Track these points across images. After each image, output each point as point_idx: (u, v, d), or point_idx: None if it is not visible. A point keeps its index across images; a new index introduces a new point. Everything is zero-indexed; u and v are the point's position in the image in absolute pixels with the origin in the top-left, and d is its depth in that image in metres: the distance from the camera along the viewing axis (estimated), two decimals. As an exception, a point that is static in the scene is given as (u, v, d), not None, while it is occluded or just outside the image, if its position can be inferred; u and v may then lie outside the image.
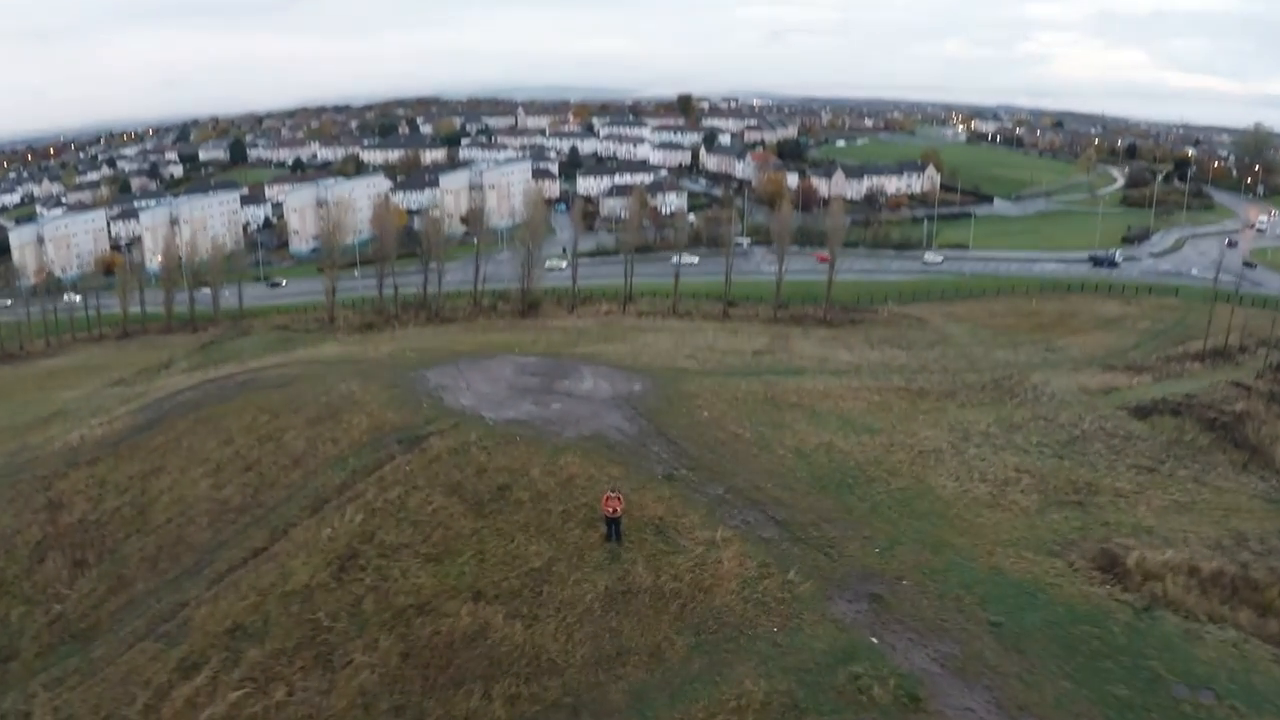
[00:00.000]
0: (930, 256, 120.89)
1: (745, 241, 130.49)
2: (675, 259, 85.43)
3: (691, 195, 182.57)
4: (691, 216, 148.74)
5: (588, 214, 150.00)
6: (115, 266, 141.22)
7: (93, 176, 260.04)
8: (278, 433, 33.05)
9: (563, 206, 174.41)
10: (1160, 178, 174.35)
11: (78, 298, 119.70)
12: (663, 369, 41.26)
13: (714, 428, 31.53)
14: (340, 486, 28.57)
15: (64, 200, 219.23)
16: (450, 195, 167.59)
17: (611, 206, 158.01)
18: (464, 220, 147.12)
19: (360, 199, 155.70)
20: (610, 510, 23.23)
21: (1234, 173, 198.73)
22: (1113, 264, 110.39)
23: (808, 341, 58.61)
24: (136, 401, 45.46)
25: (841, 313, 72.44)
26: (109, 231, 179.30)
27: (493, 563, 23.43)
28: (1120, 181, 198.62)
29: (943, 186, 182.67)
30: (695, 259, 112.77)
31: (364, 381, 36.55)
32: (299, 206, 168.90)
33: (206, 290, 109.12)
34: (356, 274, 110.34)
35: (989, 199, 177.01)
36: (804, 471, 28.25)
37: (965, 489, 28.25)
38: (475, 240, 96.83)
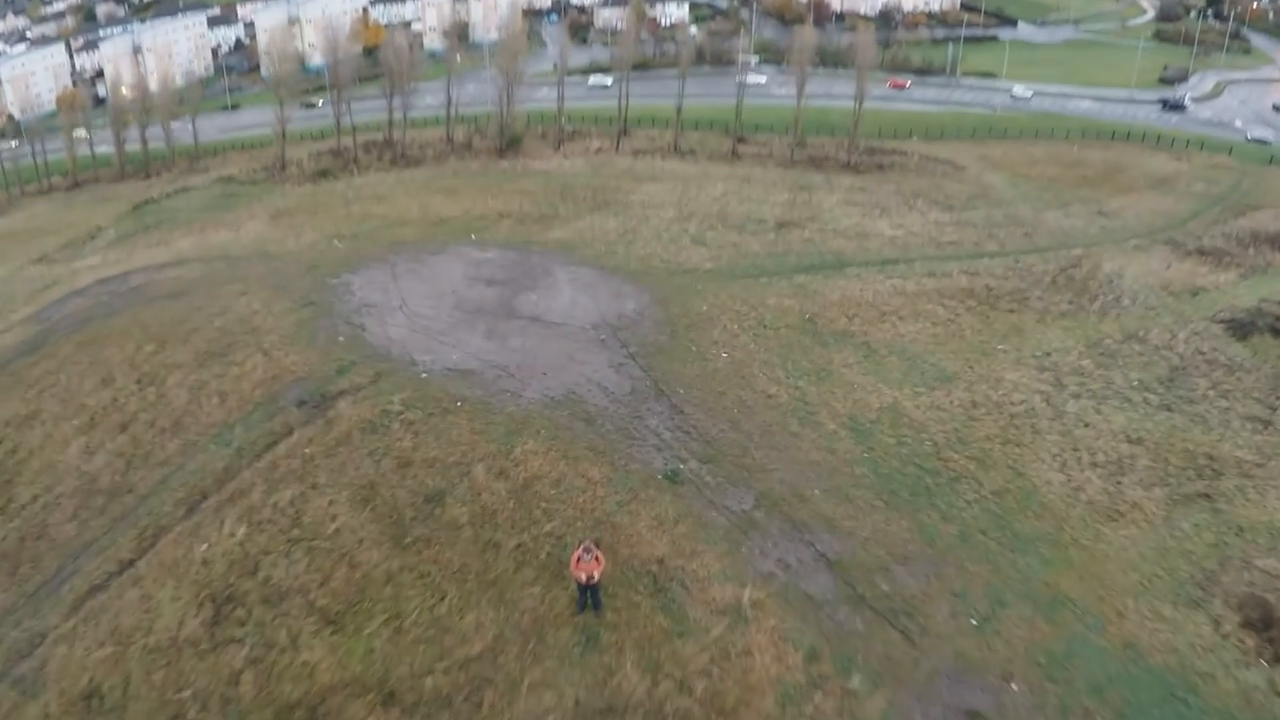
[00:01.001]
0: (1019, 91, 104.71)
1: (754, 60, 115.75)
2: (678, 82, 72.17)
3: (694, 6, 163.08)
4: (694, 29, 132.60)
5: (580, 25, 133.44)
6: (70, 105, 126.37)
7: (59, 6, 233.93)
8: (161, 373, 24.99)
9: (554, 17, 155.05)
10: (1195, 13, 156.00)
11: (13, 144, 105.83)
12: (664, 268, 31.97)
13: (736, 381, 23.13)
14: (222, 473, 20.94)
15: (28, 35, 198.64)
16: (433, 8, 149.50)
17: (606, 17, 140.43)
18: (446, 35, 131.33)
19: (336, 15, 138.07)
20: (583, 578, 15.60)
21: (1271, 15, 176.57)
22: (1182, 108, 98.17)
23: (834, 197, 48.82)
24: (36, 303, 37.12)
25: (866, 155, 61.90)
26: (71, 66, 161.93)
27: (415, 637, 16.23)
28: (1150, 13, 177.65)
29: (963, 5, 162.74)
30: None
31: (270, 296, 27.84)
32: (271, 26, 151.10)
33: (177, 125, 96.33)
34: (320, 103, 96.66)
35: (1012, 22, 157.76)
36: (864, 464, 20.42)
37: (1075, 486, 20.68)
38: (449, 60, 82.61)
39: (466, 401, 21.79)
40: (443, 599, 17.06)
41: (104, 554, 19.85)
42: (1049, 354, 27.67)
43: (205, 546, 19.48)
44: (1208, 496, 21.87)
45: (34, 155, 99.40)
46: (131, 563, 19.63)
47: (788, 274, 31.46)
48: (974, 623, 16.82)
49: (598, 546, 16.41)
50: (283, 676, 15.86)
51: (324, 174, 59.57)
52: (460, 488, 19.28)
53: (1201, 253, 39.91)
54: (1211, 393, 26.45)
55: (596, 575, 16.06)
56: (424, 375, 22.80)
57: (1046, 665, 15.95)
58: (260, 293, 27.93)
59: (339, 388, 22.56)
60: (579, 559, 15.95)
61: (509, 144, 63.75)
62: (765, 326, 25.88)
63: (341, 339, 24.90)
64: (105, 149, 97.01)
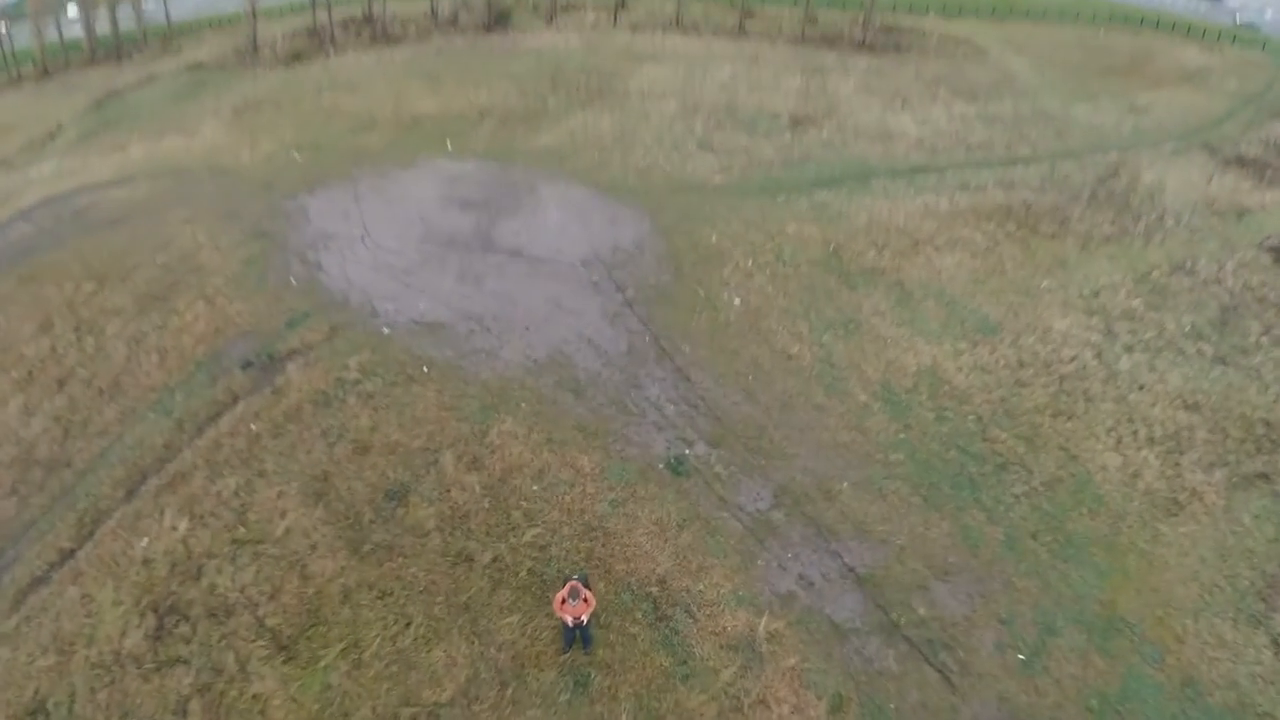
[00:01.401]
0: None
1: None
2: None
3: None
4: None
5: None
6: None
7: None
8: (100, 320, 21.73)
9: None
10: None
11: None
12: (667, 183, 27.39)
13: (751, 336, 19.70)
14: (162, 450, 18.20)
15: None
16: None
17: None
18: None
19: None
20: (571, 619, 13.18)
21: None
22: None
23: (850, 82, 43.06)
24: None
25: (882, 34, 55.57)
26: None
27: (376, 673, 13.94)
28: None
29: None
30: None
31: (218, 224, 23.93)
32: None
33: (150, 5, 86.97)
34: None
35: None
36: (900, 447, 17.40)
37: (1132, 471, 17.90)
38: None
39: (434, 366, 18.75)
40: (408, 625, 14.71)
41: (44, 539, 17.46)
42: (1097, 293, 24.41)
43: (145, 542, 17.03)
44: (1266, 477, 19.29)
45: (0, 45, 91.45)
46: (72, 553, 17.26)
47: (806, 189, 27.39)
48: (1021, 658, 14.61)
49: (587, 586, 13.95)
50: (232, 710, 13.81)
51: (297, 57, 53.43)
52: (426, 482, 16.60)
53: (1242, 163, 35.93)
54: (1264, 340, 23.44)
55: (585, 618, 13.57)
56: (386, 330, 19.64)
57: (1099, 711, 13.93)
58: (208, 221, 24.13)
59: (289, 346, 19.48)
60: (564, 600, 13.30)
61: (498, 19, 57.23)
62: (783, 262, 22.25)
63: (294, 281, 21.53)
64: (77, 33, 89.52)
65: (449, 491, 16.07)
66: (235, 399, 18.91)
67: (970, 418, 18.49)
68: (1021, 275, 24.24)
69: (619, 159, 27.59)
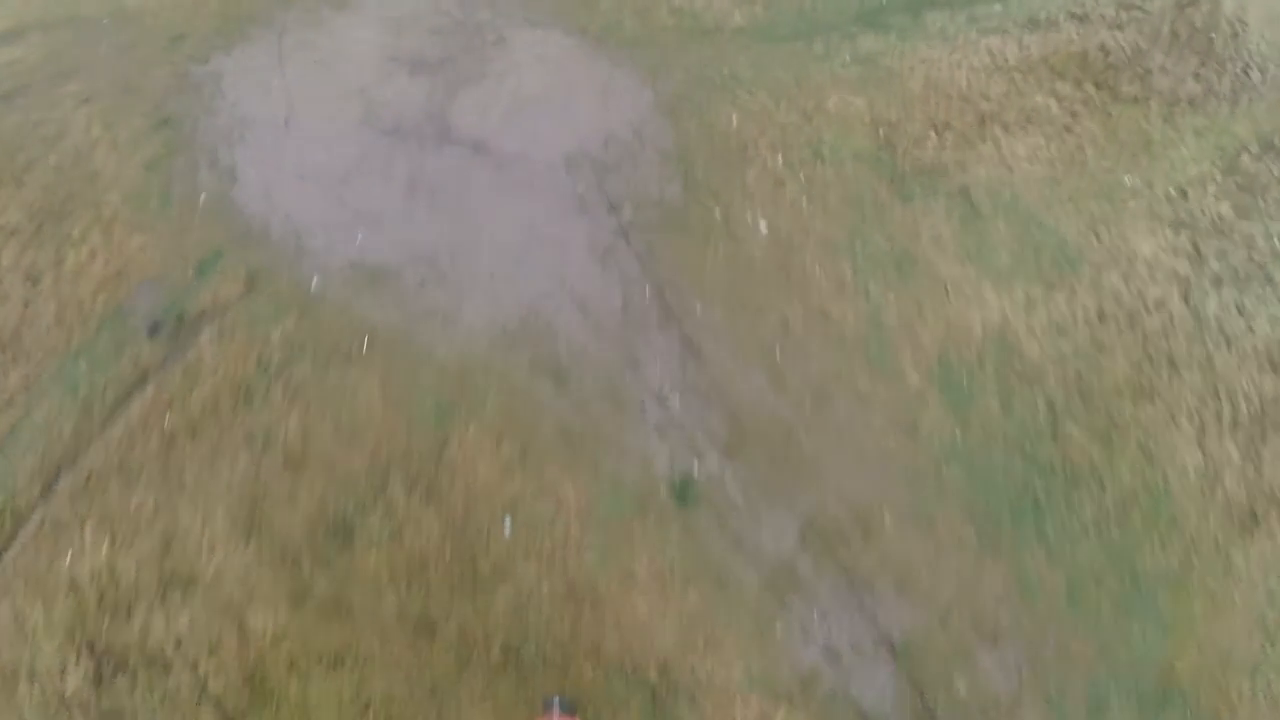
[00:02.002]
0: None
1: None
2: None
3: None
4: None
5: None
6: None
7: None
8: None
9: None
10: None
11: None
12: (675, 27, 19.35)
13: (781, 284, 14.82)
14: (71, 439, 14.29)
15: None
16: None
17: None
18: None
19: None
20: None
21: None
22: None
23: None
24: None
25: None
26: None
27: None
28: None
29: None
30: None
31: (116, 106, 17.67)
32: None
33: None
34: None
35: None
36: (957, 457, 13.45)
37: (1213, 473, 13.81)
38: None
39: (376, 338, 14.61)
40: (366, 709, 12.53)
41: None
42: (1184, 191, 19.09)
43: (69, 557, 14.38)
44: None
45: None
46: (-1, 555, 14.93)
47: (848, 29, 20.10)
48: (1080, 754, 12.66)
49: (572, 712, 11.45)
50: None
51: None
52: (373, 516, 13.21)
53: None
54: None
55: (569, 756, 11.29)
56: (315, 282, 15.39)
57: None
58: (105, 99, 18.04)
59: (199, 304, 15.02)
60: (542, 734, 10.87)
61: None
62: (823, 159, 16.83)
63: (204, 198, 16.50)
64: None
65: (401, 531, 12.90)
66: (145, 375, 15.01)
67: (1041, 405, 14.77)
68: (1103, 166, 18.95)
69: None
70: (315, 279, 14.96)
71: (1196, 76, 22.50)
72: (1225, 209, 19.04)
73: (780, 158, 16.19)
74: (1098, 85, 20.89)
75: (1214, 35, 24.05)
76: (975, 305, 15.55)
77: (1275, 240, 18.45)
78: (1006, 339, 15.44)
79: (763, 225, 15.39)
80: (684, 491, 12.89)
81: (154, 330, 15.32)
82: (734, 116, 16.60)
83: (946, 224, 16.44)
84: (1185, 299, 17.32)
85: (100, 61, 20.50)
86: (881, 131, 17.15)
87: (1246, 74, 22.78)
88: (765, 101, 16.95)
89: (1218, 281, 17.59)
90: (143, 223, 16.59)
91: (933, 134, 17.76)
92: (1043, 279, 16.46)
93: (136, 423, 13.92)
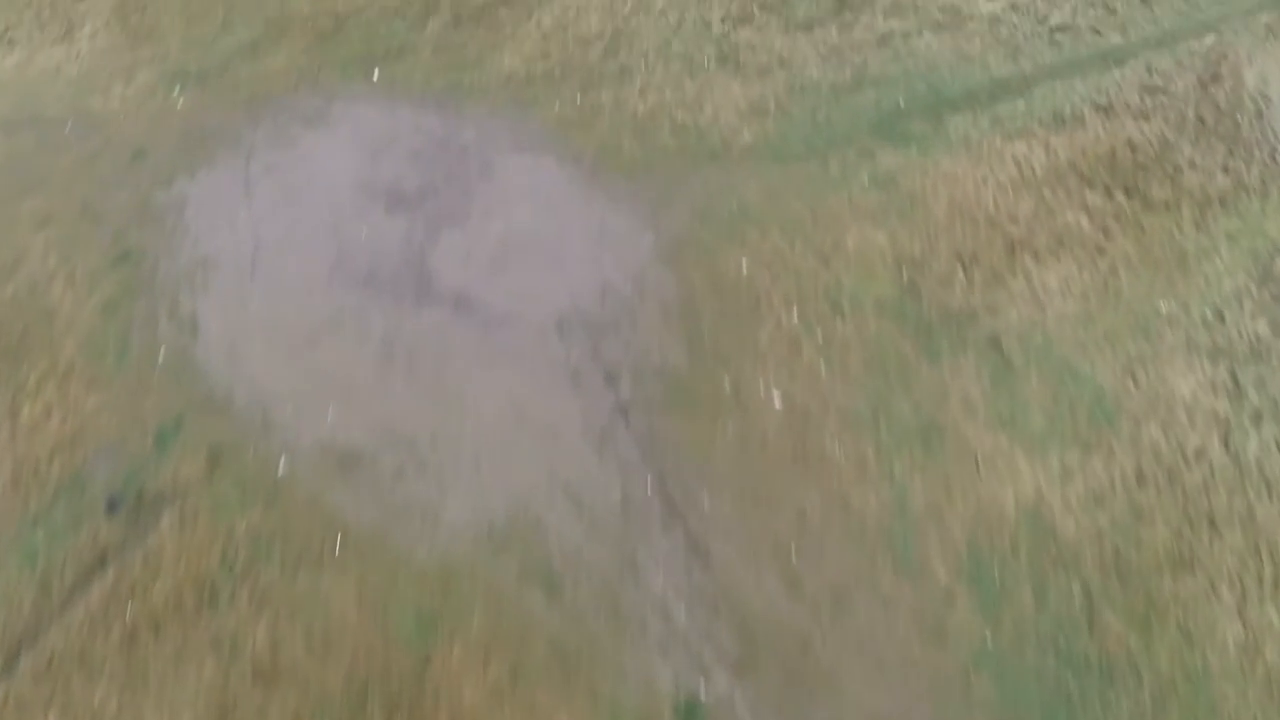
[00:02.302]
0: None
1: None
2: None
3: None
4: None
5: None
6: None
7: None
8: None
9: None
10: None
11: None
12: (677, 148, 17.25)
13: (797, 467, 13.20)
14: (31, 617, 12.98)
15: None
16: None
17: None
18: None
19: None
20: None
21: None
22: None
23: None
24: None
25: None
26: None
27: None
28: None
29: None
30: None
31: (75, 232, 16.27)
32: None
33: None
34: None
35: None
36: (988, 663, 11.92)
37: (1253, 646, 12.63)
38: None
39: (349, 534, 13.20)
40: None
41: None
42: (1220, 313, 17.72)
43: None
44: None
45: None
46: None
47: (866, 143, 18.32)
48: None
49: None
50: None
51: None
52: None
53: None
54: None
55: None
56: (282, 464, 13.82)
57: None
58: (64, 223, 16.64)
59: (159, 482, 13.57)
60: None
61: None
62: (842, 312, 15.23)
63: (163, 353, 15.00)
64: None
65: (379, 780, 11.80)
66: (104, 556, 13.56)
67: (1078, 593, 13.24)
68: (1138, 293, 17.37)
69: (610, 96, 18.06)
70: (283, 460, 13.44)
71: (1225, 169, 21.10)
72: (1262, 327, 17.53)
73: (796, 312, 14.62)
74: (1128, 192, 19.35)
75: (1239, 116, 22.65)
76: (1008, 479, 14.03)
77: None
78: (1041, 517, 13.92)
79: (777, 397, 13.83)
80: (690, 716, 11.44)
81: (112, 507, 13.87)
82: (744, 262, 15.02)
83: (977, 383, 14.89)
84: (1225, 443, 15.85)
85: (62, 175, 18.83)
86: (905, 272, 15.56)
87: (1274, 159, 21.32)
88: (778, 242, 15.36)
89: (1257, 418, 16.11)
90: (100, 378, 15.08)
91: (960, 270, 16.17)
92: (1079, 441, 14.94)
93: (97, 609, 12.55)
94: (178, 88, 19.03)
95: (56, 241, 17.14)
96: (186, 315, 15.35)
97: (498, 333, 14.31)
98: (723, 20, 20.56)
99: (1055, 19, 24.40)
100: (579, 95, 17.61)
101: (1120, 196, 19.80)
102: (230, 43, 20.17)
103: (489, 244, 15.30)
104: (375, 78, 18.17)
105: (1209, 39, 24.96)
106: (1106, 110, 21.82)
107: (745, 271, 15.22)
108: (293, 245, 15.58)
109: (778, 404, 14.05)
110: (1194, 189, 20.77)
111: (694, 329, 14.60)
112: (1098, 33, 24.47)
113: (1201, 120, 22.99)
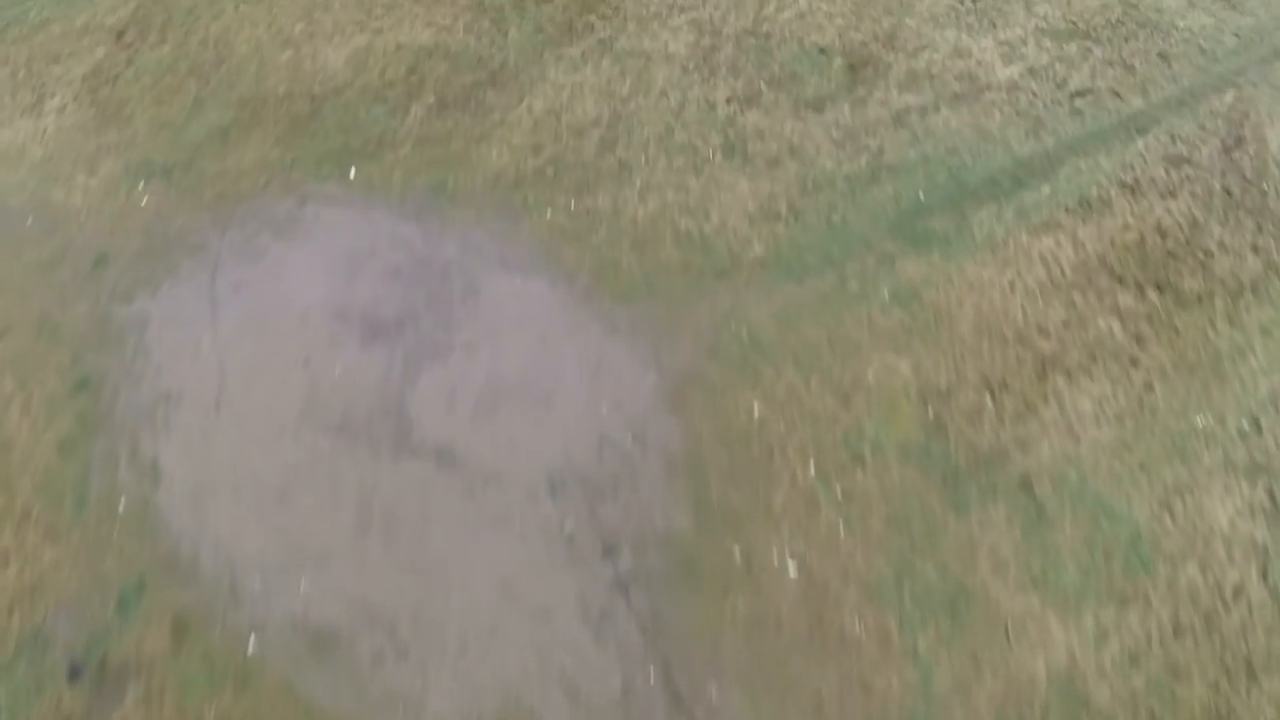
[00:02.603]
0: None
1: None
2: None
3: None
4: None
5: None
6: None
7: None
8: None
9: None
10: None
11: None
12: (680, 264, 15.29)
13: (813, 650, 11.52)
14: None
15: None
16: None
17: None
18: None
19: None
20: None
21: None
22: None
23: None
24: None
25: None
26: None
27: None
28: None
29: None
30: None
31: (31, 352, 14.53)
32: None
33: None
34: None
35: None
36: None
37: None
38: None
39: None
40: None
41: None
42: (1257, 420, 16.11)
43: None
44: None
45: None
46: None
47: (886, 248, 16.33)
48: None
49: None
50: None
51: None
52: None
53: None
54: None
55: None
56: (252, 642, 12.37)
57: None
58: (21, 337, 14.90)
59: (123, 650, 11.92)
60: None
61: None
62: (863, 462, 13.57)
63: (123, 504, 13.39)
64: None
65: None
66: (63, 728, 12.38)
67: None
68: (1173, 408, 15.69)
69: (607, 200, 16.07)
70: (253, 638, 12.00)
71: (1255, 249, 19.53)
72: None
73: (813, 466, 13.12)
74: (1160, 288, 17.80)
75: (1265, 185, 21.09)
76: (1039, 646, 12.63)
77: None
78: (1073, 685, 12.54)
79: (792, 566, 12.37)
80: None
81: (74, 675, 12.47)
82: (755, 406, 13.47)
83: (1007, 536, 13.44)
84: (1264, 575, 14.45)
85: (21, 279, 17.16)
86: (931, 409, 14.04)
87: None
88: (793, 379, 13.80)
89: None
90: (58, 527, 13.61)
91: (989, 400, 14.65)
92: (1114, 594, 13.51)
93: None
94: (142, 183, 17.34)
95: (13, 359, 15.59)
96: (148, 459, 13.88)
97: (484, 493, 12.85)
98: (728, 101, 18.89)
99: (1074, 83, 22.69)
100: (573, 200, 15.93)
101: (1152, 294, 18.24)
102: (200, 128, 18.42)
103: (474, 384, 13.76)
104: (352, 175, 16.54)
105: (1229, 96, 23.33)
106: (1133, 189, 20.19)
107: (757, 416, 13.65)
108: (261, 381, 14.06)
109: (793, 573, 12.58)
110: (1225, 275, 19.21)
111: (701, 488, 13.14)
112: (1118, 95, 22.79)
113: (1228, 192, 21.42)
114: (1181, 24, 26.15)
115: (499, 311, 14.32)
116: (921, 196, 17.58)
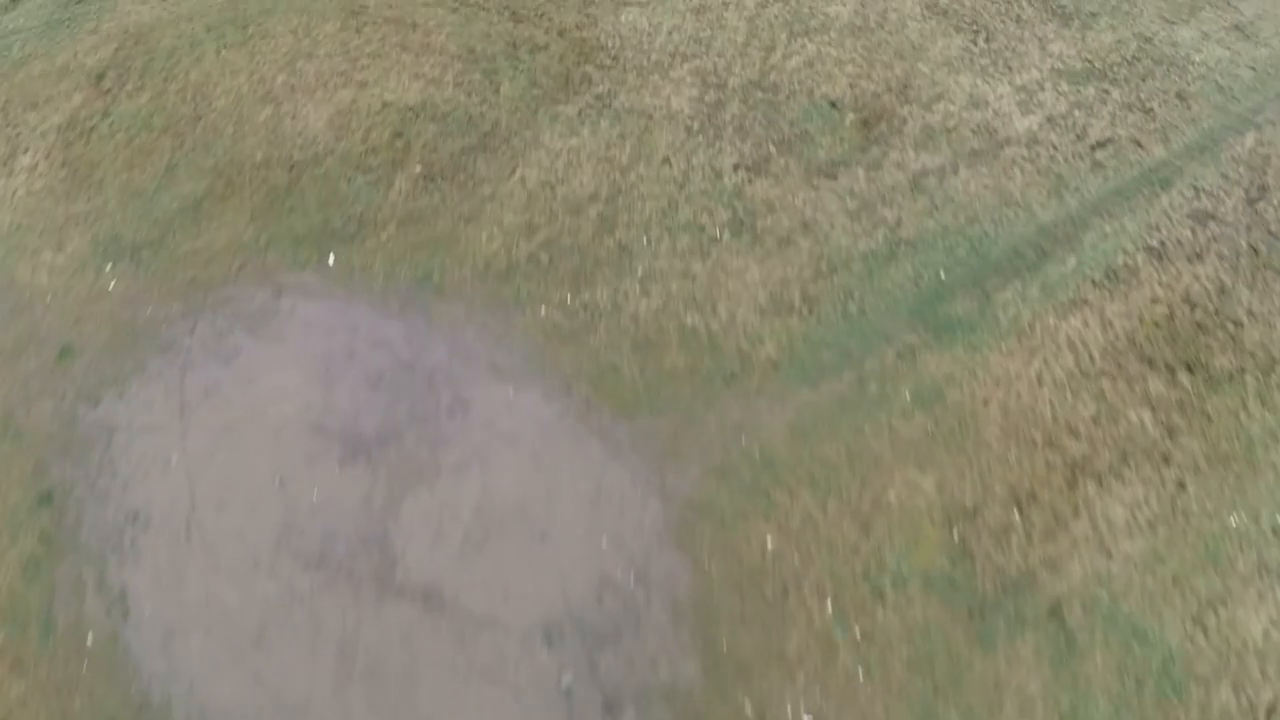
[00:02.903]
0: None
1: None
2: None
3: None
4: None
5: None
6: None
7: None
8: None
9: None
10: None
11: None
12: (685, 366, 13.65)
13: None
14: None
15: None
16: None
17: None
18: None
19: None
20: None
21: None
22: None
23: (911, 2, 25.24)
24: None
25: None
26: None
27: None
28: None
29: None
30: None
31: None
32: None
33: None
34: None
35: None
36: None
37: None
38: None
39: None
40: None
41: None
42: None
43: None
44: None
45: None
46: None
47: (906, 339, 14.68)
48: None
49: None
50: None
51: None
52: None
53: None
54: None
55: None
56: None
57: None
58: None
59: None
60: None
61: None
62: (884, 598, 12.14)
63: (91, 638, 12.10)
64: None
65: None
66: None
67: None
68: (1207, 509, 14.40)
69: (606, 293, 14.32)
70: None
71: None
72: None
73: (830, 604, 11.86)
74: (1191, 368, 16.43)
75: None
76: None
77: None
78: None
79: (808, 723, 11.17)
80: None
81: None
82: (769, 538, 12.17)
83: (1036, 672, 12.21)
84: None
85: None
86: (956, 532, 12.75)
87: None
88: (809, 504, 12.49)
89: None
90: (24, 660, 12.37)
91: (1016, 516, 13.34)
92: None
93: None
94: (110, 264, 15.81)
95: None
96: (116, 589, 12.60)
97: (475, 640, 11.58)
98: (735, 168, 17.28)
99: (1095, 133, 21.03)
100: (569, 293, 14.40)
101: (1184, 377, 16.82)
102: (172, 199, 16.84)
103: (462, 513, 12.45)
104: (331, 262, 15.05)
105: (1249, 139, 21.73)
106: (1159, 254, 18.68)
107: (770, 549, 12.37)
108: (233, 503, 12.74)
109: (810, 727, 11.47)
110: (1255, 348, 17.76)
111: (709, 635, 11.86)
112: (1139, 144, 21.16)
113: (1255, 250, 19.89)
114: (1197, 58, 24.48)
115: (489, 427, 12.98)
116: (942, 275, 16.15)
